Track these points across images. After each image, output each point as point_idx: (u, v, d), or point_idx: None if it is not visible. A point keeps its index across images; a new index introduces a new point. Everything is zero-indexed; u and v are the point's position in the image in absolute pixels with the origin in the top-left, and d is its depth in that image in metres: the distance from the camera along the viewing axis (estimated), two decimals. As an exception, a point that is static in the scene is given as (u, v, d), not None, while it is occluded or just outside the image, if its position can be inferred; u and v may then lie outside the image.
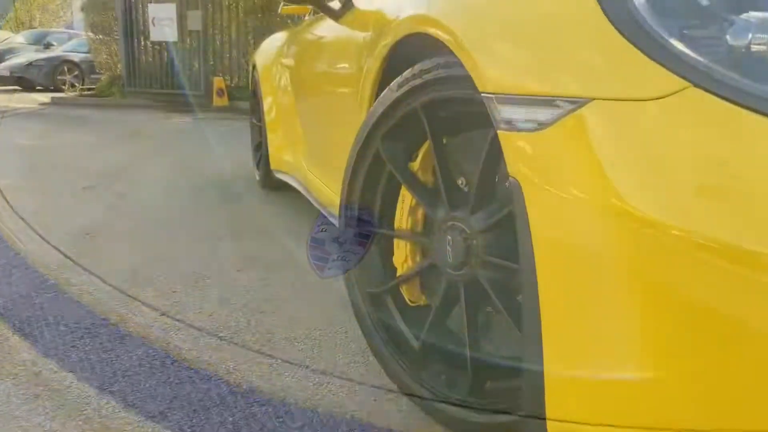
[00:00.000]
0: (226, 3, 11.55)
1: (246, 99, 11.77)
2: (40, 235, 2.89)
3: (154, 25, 11.56)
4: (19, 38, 19.30)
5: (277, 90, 3.61)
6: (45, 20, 22.45)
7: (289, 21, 10.32)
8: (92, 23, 12.97)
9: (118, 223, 3.25)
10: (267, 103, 3.79)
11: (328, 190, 2.48)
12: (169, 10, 11.40)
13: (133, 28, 12.00)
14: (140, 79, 12.07)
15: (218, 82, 11.28)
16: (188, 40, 11.60)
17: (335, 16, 2.22)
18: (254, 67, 4.28)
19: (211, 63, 11.63)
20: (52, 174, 4.63)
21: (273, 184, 3.86)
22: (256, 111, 4.29)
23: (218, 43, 11.75)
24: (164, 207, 3.65)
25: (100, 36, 12.90)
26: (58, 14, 22.75)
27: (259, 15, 11.11)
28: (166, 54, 11.81)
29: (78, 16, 16.97)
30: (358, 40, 1.97)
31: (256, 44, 11.76)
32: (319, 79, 2.61)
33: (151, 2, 11.70)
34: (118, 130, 7.87)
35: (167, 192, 4.08)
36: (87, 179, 4.39)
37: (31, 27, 21.60)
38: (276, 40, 4.08)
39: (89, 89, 14.49)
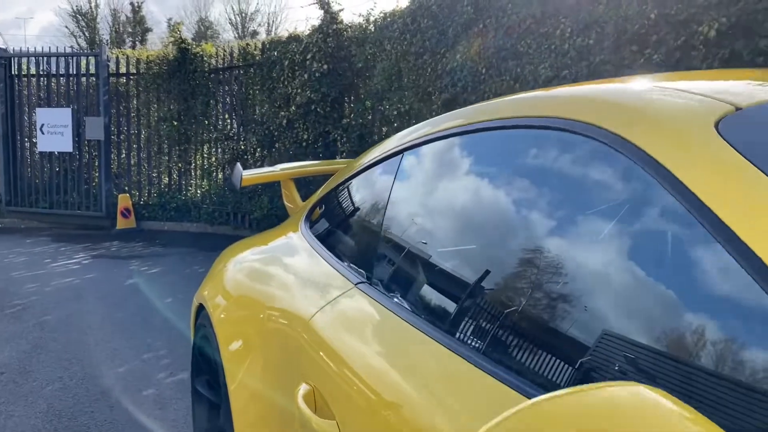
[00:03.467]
0: (135, 108, 9.51)
1: (157, 219, 9.71)
2: None
3: (43, 132, 9.29)
4: None
5: (268, 390, 1.71)
6: None
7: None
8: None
9: None
10: (238, 393, 1.87)
11: None
12: (63, 116, 9.21)
13: (15, 134, 9.64)
14: (24, 196, 9.59)
15: (123, 199, 9.10)
16: (87, 150, 9.40)
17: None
18: (201, 308, 2.37)
19: (115, 178, 9.45)
20: None
21: None
22: (203, 373, 2.34)
23: (124, 154, 9.61)
24: None
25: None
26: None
27: (175, 122, 9.16)
28: (57, 166, 9.51)
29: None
30: None
31: (170, 155, 9.83)
32: None
33: (39, 105, 9.47)
34: (-20, 291, 5.54)
35: None
36: None
37: None
38: (246, 281, 2.19)
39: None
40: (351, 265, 1.61)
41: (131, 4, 37.49)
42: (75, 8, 36.23)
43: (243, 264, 2.31)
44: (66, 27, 36.27)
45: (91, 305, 5.16)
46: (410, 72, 6.01)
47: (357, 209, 1.88)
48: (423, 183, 1.52)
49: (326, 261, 1.73)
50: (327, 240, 1.90)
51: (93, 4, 36.60)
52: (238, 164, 2.94)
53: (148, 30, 37.99)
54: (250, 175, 2.88)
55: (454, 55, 5.46)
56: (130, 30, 38.16)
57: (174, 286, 5.77)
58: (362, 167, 1.87)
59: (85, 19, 36.80)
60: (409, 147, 1.60)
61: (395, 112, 6.35)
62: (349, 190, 1.98)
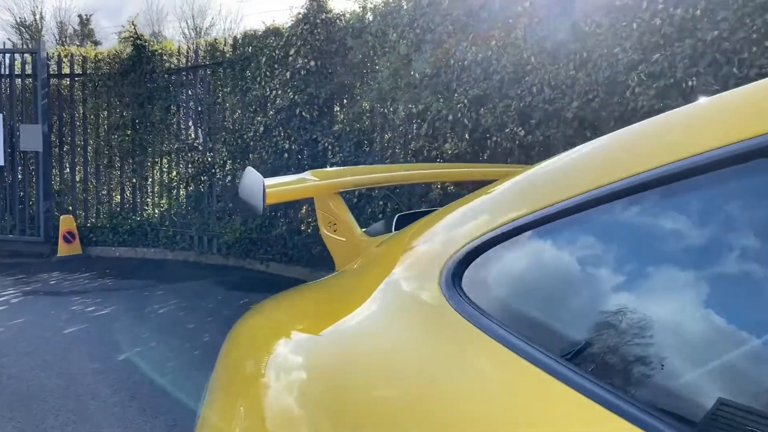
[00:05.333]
0: (81, 115, 8.01)
1: (107, 244, 7.99)
2: None
3: (-33, 142, 7.68)
4: None
5: None
6: None
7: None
8: None
9: None
10: None
11: None
12: (-7, 123, 7.65)
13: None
14: (-56, 218, 7.94)
15: (66, 221, 7.58)
16: (22, 163, 7.84)
17: None
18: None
19: (57, 196, 7.91)
20: None
21: None
22: None
23: (68, 168, 8.07)
24: None
25: None
26: None
27: (129, 131, 7.72)
28: (-14, 182, 7.90)
29: None
30: None
31: (123, 169, 8.21)
32: None
33: (-35, 111, 7.86)
34: None
35: None
36: None
37: None
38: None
39: None
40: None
41: (79, 16, 35.35)
42: (18, 20, 33.86)
43: (304, 373, 1.05)
44: (9, 39, 33.79)
45: (15, 366, 3.72)
46: (425, 65, 4.83)
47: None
48: None
49: None
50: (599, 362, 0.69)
51: (38, 16, 34.32)
52: (251, 169, 1.67)
53: (97, 44, 35.79)
54: (277, 187, 1.61)
55: (488, 41, 4.32)
56: (77, 43, 35.92)
57: (129, 334, 4.38)
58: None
59: (29, 32, 34.41)
60: None
61: (403, 114, 5.16)
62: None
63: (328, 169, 2.02)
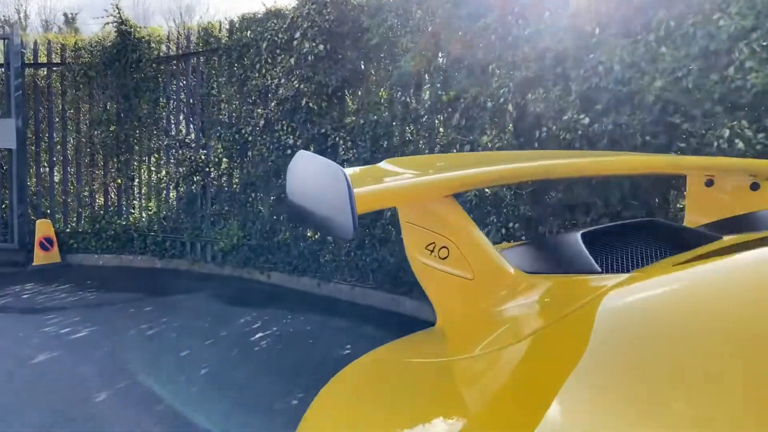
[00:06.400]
0: (60, 108, 7.19)
1: (89, 251, 6.90)
2: None
3: (-68, 139, 6.86)
4: None
5: None
6: None
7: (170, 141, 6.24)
8: None
9: None
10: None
11: None
12: (-39, 118, 6.82)
13: None
14: None
15: (43, 226, 6.78)
16: (-7, 162, 7.03)
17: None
18: None
19: (33, 198, 7.10)
20: None
21: None
22: None
23: (46, 167, 7.26)
24: None
25: None
26: None
27: (113, 126, 6.92)
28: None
29: None
30: None
31: (106, 168, 7.39)
32: None
33: (-71, 104, 7.03)
34: None
35: None
36: None
37: None
38: None
39: None
40: None
41: (65, 15, 34.34)
42: (3, 18, 32.86)
43: None
44: (-9, 37, 32.69)
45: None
46: (460, 45, 4.11)
47: None
48: None
49: None
50: None
51: (22, 15, 33.32)
52: (318, 158, 0.92)
53: (83, 42, 34.77)
54: (365, 186, 0.87)
55: (540, 13, 3.61)
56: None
57: (111, 364, 3.62)
58: None
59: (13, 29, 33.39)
60: None
61: (429, 104, 4.45)
62: None
63: (421, 156, 1.30)
